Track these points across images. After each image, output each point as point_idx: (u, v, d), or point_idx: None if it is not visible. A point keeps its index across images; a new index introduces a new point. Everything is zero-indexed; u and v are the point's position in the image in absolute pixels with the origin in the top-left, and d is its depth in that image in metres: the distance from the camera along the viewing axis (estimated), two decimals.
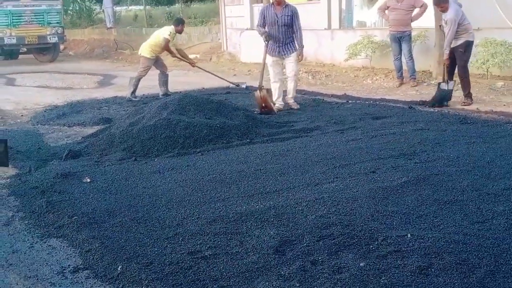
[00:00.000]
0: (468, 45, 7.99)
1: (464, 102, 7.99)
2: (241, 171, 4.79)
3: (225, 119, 6.35)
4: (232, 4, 17.99)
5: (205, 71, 10.90)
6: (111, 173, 4.91)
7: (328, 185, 4.29)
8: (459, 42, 7.92)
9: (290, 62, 7.93)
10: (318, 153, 5.34)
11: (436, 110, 7.62)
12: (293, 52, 7.88)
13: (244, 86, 10.52)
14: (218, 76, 10.95)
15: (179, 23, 9.69)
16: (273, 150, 5.53)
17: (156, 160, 5.39)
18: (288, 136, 6.25)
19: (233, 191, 4.24)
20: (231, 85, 10.76)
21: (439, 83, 8.23)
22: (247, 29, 16.82)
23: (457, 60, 8.03)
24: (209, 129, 6.02)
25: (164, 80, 9.81)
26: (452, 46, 7.90)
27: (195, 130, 5.94)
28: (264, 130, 6.56)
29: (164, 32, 9.60)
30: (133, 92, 9.66)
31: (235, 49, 17.38)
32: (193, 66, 10.32)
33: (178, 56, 10.09)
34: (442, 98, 7.99)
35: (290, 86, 8.15)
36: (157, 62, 9.76)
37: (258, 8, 16.28)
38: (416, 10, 10.12)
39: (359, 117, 7.21)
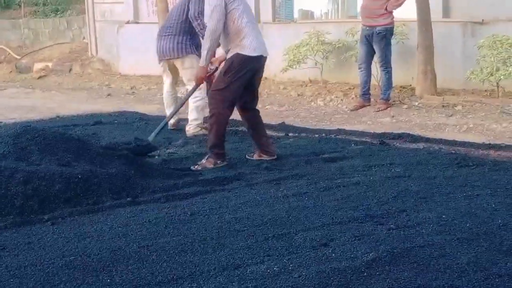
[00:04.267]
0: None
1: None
2: (118, 249, 4.71)
3: (91, 166, 6.27)
4: None
5: None
6: None
7: (255, 267, 4.28)
8: None
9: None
10: (241, 216, 5.35)
11: (421, 147, 7.86)
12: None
13: None
14: None
15: None
16: (169, 215, 5.50)
17: None
18: (194, 192, 6.23)
19: (103, 283, 4.16)
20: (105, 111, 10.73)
21: None
22: (128, 22, 16.87)
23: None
24: (65, 182, 5.90)
25: None
26: None
27: (42, 184, 5.80)
28: (156, 182, 6.51)
29: None
30: None
31: (110, 54, 17.35)
32: None
33: None
34: None
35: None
36: None
37: None
38: None
39: (305, 159, 7.33)
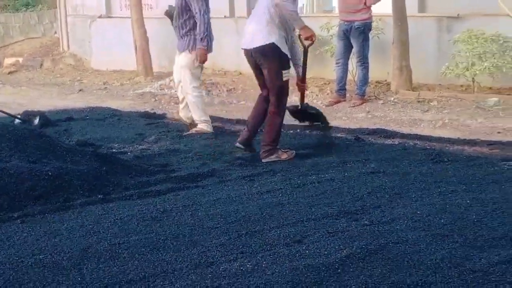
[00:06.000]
0: None
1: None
2: (88, 247, 4.70)
3: (62, 163, 6.25)
4: None
5: None
6: None
7: (228, 264, 4.29)
8: None
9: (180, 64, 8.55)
10: (213, 214, 5.36)
11: (396, 142, 7.90)
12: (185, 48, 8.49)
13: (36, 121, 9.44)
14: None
15: None
16: (141, 212, 5.49)
17: None
18: (166, 188, 6.23)
19: (74, 281, 4.14)
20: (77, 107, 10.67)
21: None
22: (101, 16, 16.81)
23: None
24: (36, 179, 5.88)
25: None
26: None
27: (11, 182, 5.78)
28: (128, 179, 6.50)
29: None
30: None
31: (82, 49, 17.28)
32: None
33: None
34: None
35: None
36: None
37: None
38: None
39: None
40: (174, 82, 9.04)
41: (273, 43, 7.07)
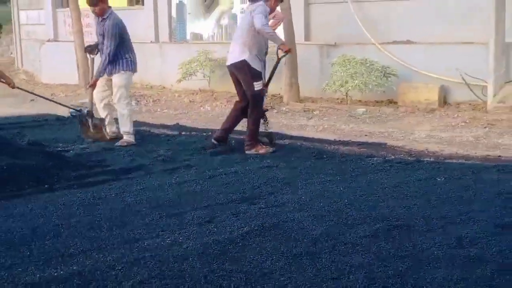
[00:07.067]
0: None
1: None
2: (36, 228, 4.60)
3: (13, 159, 6.09)
4: (29, 9, 17.50)
5: (32, 93, 10.00)
6: None
7: (151, 240, 4.27)
8: None
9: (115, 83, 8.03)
10: (141, 199, 5.34)
11: (287, 143, 7.96)
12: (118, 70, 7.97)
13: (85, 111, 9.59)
14: (52, 101, 10.16)
15: None
16: (80, 199, 5.41)
17: None
18: (102, 179, 6.17)
19: (24, 255, 4.04)
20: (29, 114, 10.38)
21: None
22: (49, 40, 16.44)
23: None
24: None
25: None
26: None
27: None
28: (70, 172, 6.38)
29: None
30: None
31: (33, 67, 16.89)
32: (13, 88, 9.41)
33: None
34: None
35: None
36: None
37: (63, 13, 16.03)
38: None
39: (194, 153, 7.35)
40: (95, 104, 8.27)
41: (244, 60, 7.20)
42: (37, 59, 16.64)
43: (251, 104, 7.36)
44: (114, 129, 8.31)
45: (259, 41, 7.29)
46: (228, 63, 7.48)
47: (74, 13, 14.25)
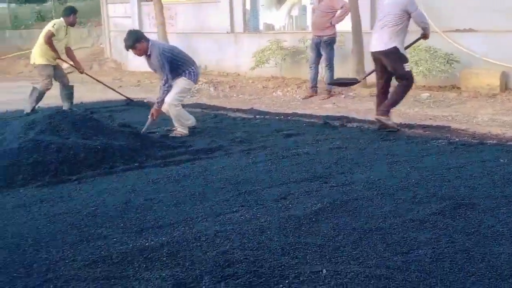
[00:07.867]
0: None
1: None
2: (128, 202, 4.72)
3: (107, 140, 6.24)
4: (116, 2, 17.82)
5: (96, 80, 10.55)
6: None
7: (231, 215, 4.31)
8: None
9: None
10: (220, 177, 5.38)
11: (355, 126, 7.89)
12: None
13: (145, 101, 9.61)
14: (112, 89, 10.69)
15: (70, 13, 9.37)
16: (166, 176, 5.50)
17: (21, 191, 5.19)
18: (185, 159, 6.25)
19: (118, 227, 4.15)
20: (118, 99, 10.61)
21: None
22: None
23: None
24: (88, 151, 5.89)
25: (67, 93, 9.51)
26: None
27: (70, 153, 5.79)
28: (156, 152, 6.51)
29: (49, 24, 9.34)
30: (33, 109, 9.23)
31: (121, 56, 17.21)
32: (81, 73, 9.91)
33: (62, 58, 9.64)
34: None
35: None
36: (56, 70, 9.40)
37: (148, 6, 16.25)
38: (338, 13, 10.47)
39: (268, 135, 7.37)
40: None
41: (395, 47, 7.19)
42: (124, 49, 16.93)
43: (404, 82, 7.41)
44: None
45: (406, 26, 7.28)
46: (375, 49, 7.38)
47: (157, 6, 14.48)
